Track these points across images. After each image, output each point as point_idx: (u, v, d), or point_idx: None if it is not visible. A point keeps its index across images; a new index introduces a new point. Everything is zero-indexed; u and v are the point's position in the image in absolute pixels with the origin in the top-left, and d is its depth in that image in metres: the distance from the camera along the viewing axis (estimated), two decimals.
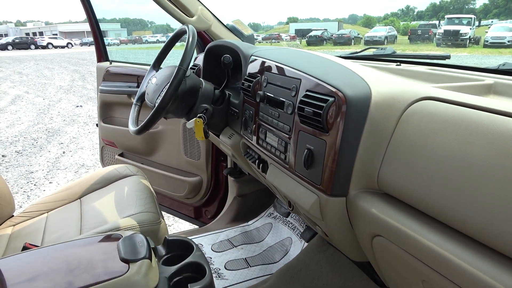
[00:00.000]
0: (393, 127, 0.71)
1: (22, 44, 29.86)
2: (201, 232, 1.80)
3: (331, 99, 0.76)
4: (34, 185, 3.63)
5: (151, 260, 0.88)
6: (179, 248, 1.03)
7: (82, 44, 37.65)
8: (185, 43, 1.17)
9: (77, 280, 0.81)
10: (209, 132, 1.39)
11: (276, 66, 1.01)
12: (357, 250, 0.90)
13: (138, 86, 2.18)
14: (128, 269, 0.83)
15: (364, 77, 0.80)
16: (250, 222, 1.81)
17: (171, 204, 2.21)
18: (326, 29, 28.70)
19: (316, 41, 24.48)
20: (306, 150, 0.82)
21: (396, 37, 23.86)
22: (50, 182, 3.69)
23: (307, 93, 0.83)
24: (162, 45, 1.45)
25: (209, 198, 2.04)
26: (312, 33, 26.27)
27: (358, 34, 27.02)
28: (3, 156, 4.50)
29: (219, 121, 1.34)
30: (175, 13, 1.64)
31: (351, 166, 0.75)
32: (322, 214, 0.81)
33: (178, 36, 1.36)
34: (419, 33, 22.30)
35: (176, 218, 2.77)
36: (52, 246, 0.95)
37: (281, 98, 0.94)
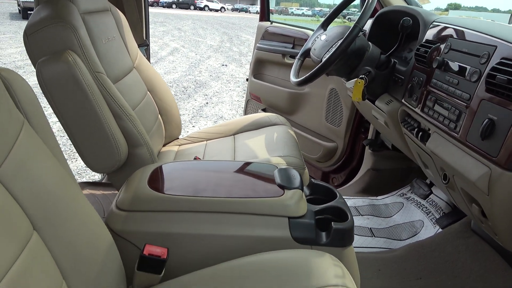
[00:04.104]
0: None
1: (184, 4, 33.23)
2: None
3: None
4: None
5: (302, 191, 0.96)
6: (323, 193, 1.10)
7: (233, 10, 40.14)
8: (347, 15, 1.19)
9: (238, 190, 0.94)
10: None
11: (465, 32, 0.96)
12: None
13: (293, 48, 2.27)
14: (283, 194, 0.93)
15: None
16: (379, 197, 1.79)
17: None
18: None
19: None
20: (486, 120, 0.79)
21: None
22: (193, 126, 4.16)
23: (502, 60, 0.78)
24: (307, 18, 1.48)
25: (340, 166, 2.07)
26: None
27: None
28: None
29: (378, 86, 1.34)
30: None
31: None
32: (490, 188, 0.78)
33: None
34: None
35: None
36: (218, 161, 1.11)
37: (464, 65, 0.90)
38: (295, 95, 2.24)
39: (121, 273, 0.79)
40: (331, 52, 1.23)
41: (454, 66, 0.93)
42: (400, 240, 1.48)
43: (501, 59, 0.79)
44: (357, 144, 2.00)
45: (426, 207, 1.59)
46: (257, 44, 2.50)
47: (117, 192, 1.12)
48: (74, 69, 1.04)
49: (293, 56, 2.25)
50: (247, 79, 2.66)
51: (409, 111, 1.15)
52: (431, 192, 1.57)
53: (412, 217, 1.60)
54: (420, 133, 1.07)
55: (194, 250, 0.86)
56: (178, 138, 1.73)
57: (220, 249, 0.86)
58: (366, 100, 1.43)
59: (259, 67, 2.55)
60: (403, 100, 1.18)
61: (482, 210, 0.90)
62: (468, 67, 0.89)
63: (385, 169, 1.86)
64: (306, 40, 2.06)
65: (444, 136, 0.95)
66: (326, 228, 0.93)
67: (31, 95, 0.73)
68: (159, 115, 1.58)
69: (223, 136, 1.63)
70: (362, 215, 1.68)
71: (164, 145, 1.65)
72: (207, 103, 5.16)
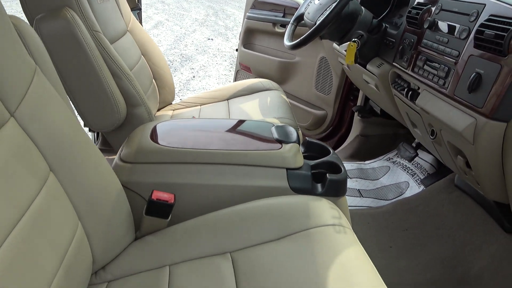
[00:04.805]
0: None
1: None
2: None
3: None
4: None
5: (299, 145, 1.01)
6: (317, 150, 1.15)
7: None
8: None
9: (238, 144, 0.98)
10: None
11: None
12: (497, 186, 0.91)
13: (284, 16, 2.28)
14: (281, 147, 0.97)
15: None
16: (367, 162, 1.86)
17: None
18: None
19: None
20: (474, 74, 0.84)
21: None
22: (180, 99, 4.15)
23: (491, 17, 0.83)
24: None
25: (330, 133, 2.13)
26: None
27: None
28: None
29: (369, 50, 1.38)
30: None
31: None
32: (475, 137, 0.84)
33: None
34: None
35: None
36: (216, 119, 1.14)
37: (454, 24, 0.95)
38: (285, 64, 2.26)
39: (129, 218, 0.83)
40: (325, 15, 1.25)
41: (444, 25, 0.98)
42: (387, 200, 1.56)
43: (489, 16, 0.84)
44: (346, 112, 2.06)
45: (412, 169, 1.67)
46: (247, 14, 2.50)
47: (112, 157, 1.14)
48: (73, 26, 1.04)
49: (283, 25, 2.26)
50: (236, 50, 2.66)
51: (400, 72, 1.20)
52: (417, 155, 1.65)
53: (398, 179, 1.68)
54: (410, 93, 1.12)
55: (198, 199, 0.90)
56: (172, 104, 1.75)
57: (223, 198, 0.91)
58: (357, 65, 1.47)
59: (249, 37, 2.55)
60: (394, 63, 1.23)
61: (466, 161, 0.97)
62: (458, 26, 0.93)
63: (373, 135, 1.92)
64: (296, 8, 2.07)
65: (433, 93, 1.00)
66: (321, 181, 0.98)
67: (39, 43, 0.74)
68: (153, 80, 1.59)
69: (217, 101, 1.65)
70: (350, 178, 1.75)
71: (158, 110, 1.66)
72: (193, 76, 5.13)
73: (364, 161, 1.90)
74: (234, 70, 2.69)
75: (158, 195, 0.81)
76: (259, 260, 0.72)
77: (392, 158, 1.82)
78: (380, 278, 0.67)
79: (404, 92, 1.15)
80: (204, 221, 0.83)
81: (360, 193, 1.64)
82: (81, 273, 0.69)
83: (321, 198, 0.87)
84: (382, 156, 1.86)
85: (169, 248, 0.79)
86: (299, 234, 0.76)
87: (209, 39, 7.98)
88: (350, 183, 1.71)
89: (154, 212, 0.82)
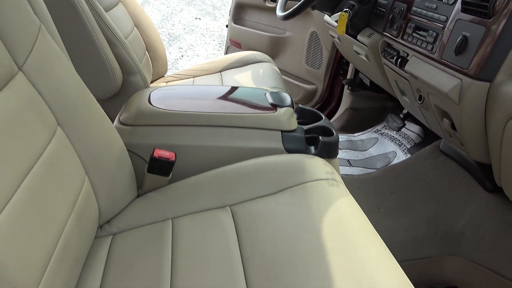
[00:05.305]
0: None
1: None
2: None
3: None
4: None
5: (293, 109, 1.05)
6: (309, 117, 1.19)
7: None
8: None
9: (234, 107, 1.01)
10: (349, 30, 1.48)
11: None
12: (479, 146, 0.97)
13: None
14: (276, 111, 1.01)
15: None
16: (356, 134, 1.92)
17: None
18: None
19: None
20: (460, 37, 0.88)
21: None
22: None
23: None
24: None
25: (320, 107, 2.17)
26: None
27: None
28: None
29: (360, 20, 1.41)
30: None
31: (506, 53, 0.80)
32: (460, 97, 0.89)
33: None
34: None
35: None
36: (212, 85, 1.17)
37: None
38: (276, 39, 2.27)
39: (132, 175, 0.86)
40: None
41: None
42: (375, 169, 1.62)
43: None
44: (336, 86, 2.10)
45: (399, 140, 1.73)
46: None
47: None
48: None
49: (274, 0, 2.26)
50: (226, 26, 2.66)
51: (389, 41, 1.24)
52: (404, 125, 1.70)
53: (386, 149, 1.74)
54: (399, 60, 1.16)
55: (197, 159, 0.94)
56: (165, 76, 1.76)
57: (221, 158, 0.94)
58: (348, 36, 1.50)
59: (239, 12, 2.54)
60: (384, 32, 1.26)
61: (452, 123, 1.02)
62: None
63: (362, 108, 1.97)
64: None
65: (422, 58, 1.04)
66: (314, 144, 1.02)
67: (42, 4, 0.75)
68: (146, 51, 1.60)
69: (210, 73, 1.67)
70: (340, 149, 1.80)
71: (151, 82, 1.68)
72: (182, 56, 5.08)
73: (354, 133, 1.95)
74: (223, 49, 2.69)
75: (160, 153, 0.84)
76: (258, 212, 0.77)
77: (380, 130, 1.87)
78: (369, 222, 0.72)
79: (394, 60, 1.19)
80: (204, 178, 0.87)
81: (349, 163, 1.69)
82: (89, 224, 0.72)
83: (315, 157, 0.91)
84: (371, 129, 1.92)
85: (171, 203, 0.83)
86: (295, 188, 0.81)
87: (196, 18, 7.87)
88: (340, 154, 1.76)
89: (155, 170, 0.85)
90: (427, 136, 1.64)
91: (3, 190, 0.51)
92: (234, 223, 0.76)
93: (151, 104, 0.99)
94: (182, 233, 0.75)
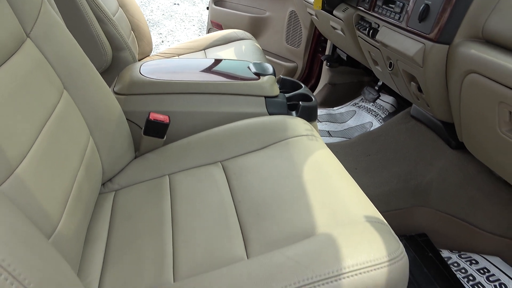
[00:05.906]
0: None
1: None
2: None
3: None
4: None
5: (275, 77, 1.14)
6: (290, 86, 1.28)
7: None
8: None
9: (221, 77, 1.09)
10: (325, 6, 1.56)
11: None
12: (443, 106, 1.08)
13: None
14: (260, 79, 1.09)
15: None
16: (335, 108, 2.02)
17: None
18: None
19: None
20: (423, 5, 0.98)
21: None
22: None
23: None
24: None
25: None
26: None
27: None
28: None
29: None
30: None
31: (462, 17, 0.91)
32: (424, 60, 0.99)
33: None
34: None
35: None
36: (198, 58, 1.24)
37: None
38: (256, 19, 2.34)
39: (130, 137, 0.94)
40: None
41: None
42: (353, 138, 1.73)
43: None
44: (315, 63, 2.19)
45: (374, 111, 1.84)
46: None
47: None
48: None
49: None
50: (207, 8, 2.70)
51: (362, 14, 1.33)
52: (379, 96, 1.82)
53: (363, 120, 1.85)
54: (371, 31, 1.26)
55: (189, 124, 1.02)
56: (150, 56, 1.82)
57: (211, 122, 1.03)
58: (325, 12, 1.59)
59: None
60: (357, 6, 1.36)
61: (418, 86, 1.13)
62: None
63: (340, 83, 2.08)
64: None
65: (390, 28, 1.14)
66: (295, 109, 1.12)
67: None
68: (132, 31, 1.65)
69: (195, 51, 1.74)
70: (320, 122, 1.90)
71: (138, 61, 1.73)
72: (162, 41, 5.08)
73: (333, 107, 2.06)
74: (203, 34, 2.74)
75: (155, 116, 0.92)
76: (246, 164, 0.86)
77: (357, 103, 1.98)
78: (343, 167, 0.82)
79: (366, 32, 1.29)
80: (197, 139, 0.96)
81: (329, 134, 1.80)
82: (95, 177, 0.80)
83: (296, 117, 1.01)
84: (349, 102, 2.02)
85: (167, 161, 0.91)
86: (279, 143, 0.90)
87: (175, 4, 7.83)
88: (320, 126, 1.86)
89: (151, 132, 0.93)
90: (400, 106, 1.76)
91: (26, 138, 0.58)
92: (226, 175, 0.85)
93: (143, 75, 1.06)
94: (179, 186, 0.84)
